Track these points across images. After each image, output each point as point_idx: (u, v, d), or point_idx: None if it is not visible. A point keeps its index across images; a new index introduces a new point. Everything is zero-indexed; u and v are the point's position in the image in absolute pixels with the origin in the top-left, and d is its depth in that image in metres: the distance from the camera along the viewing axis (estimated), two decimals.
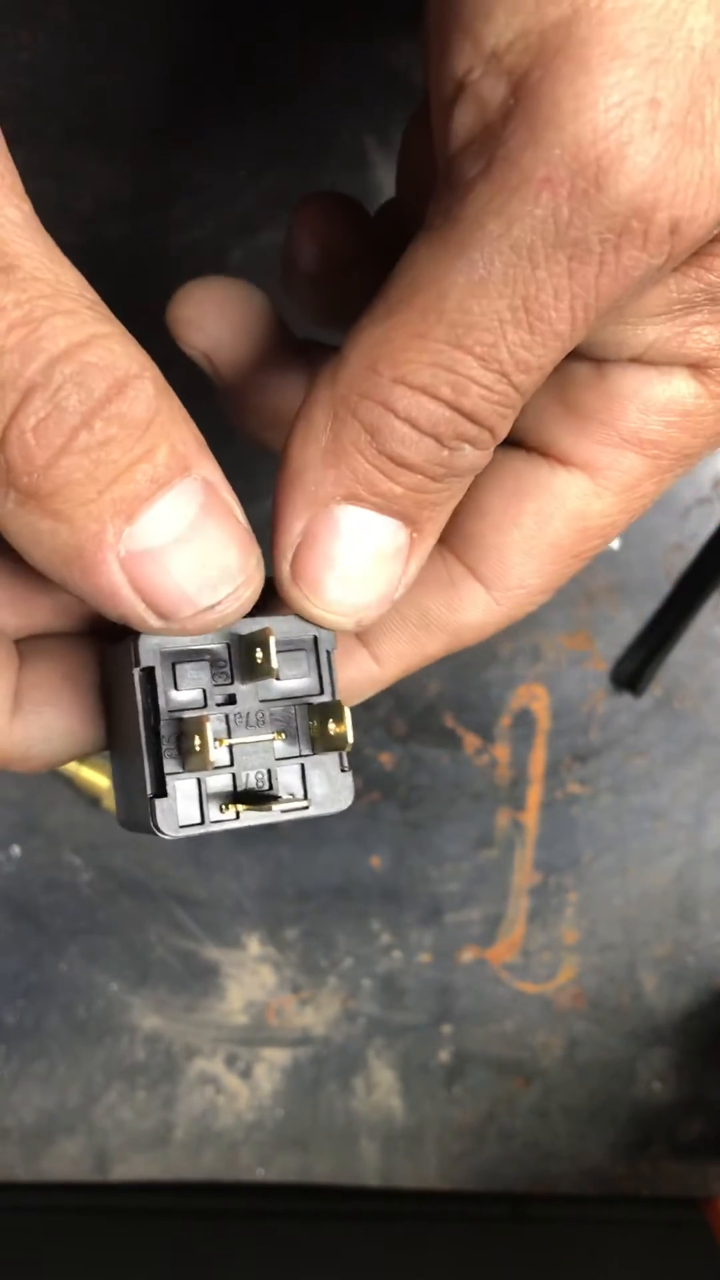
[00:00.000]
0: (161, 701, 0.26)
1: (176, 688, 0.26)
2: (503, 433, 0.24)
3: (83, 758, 0.29)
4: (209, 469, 0.24)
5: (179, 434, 0.23)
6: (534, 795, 0.55)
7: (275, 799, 0.27)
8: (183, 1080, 0.56)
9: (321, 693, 0.28)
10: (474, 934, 0.56)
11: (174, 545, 0.23)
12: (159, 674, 0.26)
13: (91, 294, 0.22)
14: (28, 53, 0.44)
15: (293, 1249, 0.57)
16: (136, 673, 0.26)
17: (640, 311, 0.25)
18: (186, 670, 0.26)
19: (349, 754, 0.28)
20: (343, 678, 0.30)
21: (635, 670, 0.54)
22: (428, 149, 0.23)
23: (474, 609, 0.30)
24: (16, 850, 0.54)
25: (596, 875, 0.55)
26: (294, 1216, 0.57)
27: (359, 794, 0.54)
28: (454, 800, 0.55)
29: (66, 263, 0.22)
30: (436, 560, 0.30)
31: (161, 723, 0.26)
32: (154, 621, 0.24)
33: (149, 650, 0.26)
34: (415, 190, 0.31)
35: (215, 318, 0.30)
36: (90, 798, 0.53)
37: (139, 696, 0.26)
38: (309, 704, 0.28)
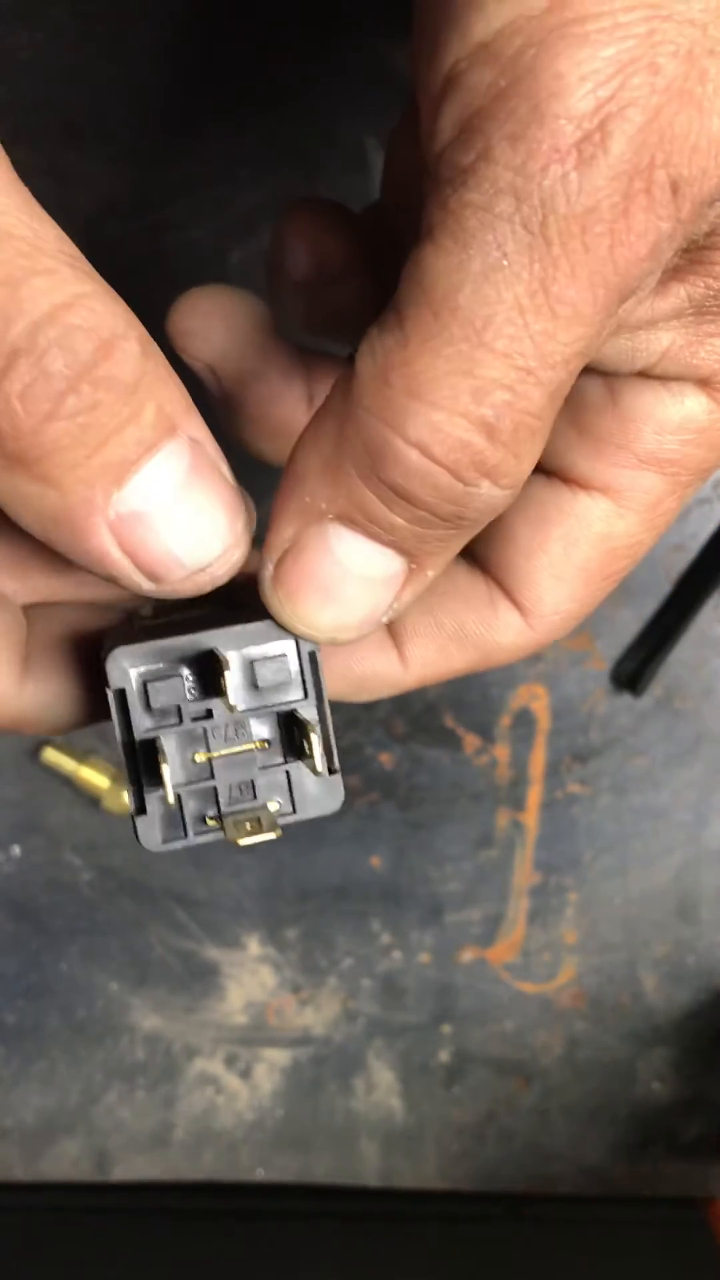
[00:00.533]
0: (135, 720, 0.26)
1: (149, 707, 0.26)
2: (528, 463, 0.23)
3: (92, 723, 0.29)
4: (196, 428, 0.23)
5: (166, 394, 0.23)
6: (534, 795, 0.55)
7: (257, 809, 0.27)
8: (183, 1080, 0.56)
9: (305, 697, 0.27)
10: (474, 934, 0.56)
11: (163, 508, 0.23)
12: (132, 693, 0.26)
13: (71, 248, 0.22)
14: (28, 53, 0.44)
15: (293, 1249, 0.57)
16: (110, 694, 0.26)
17: (653, 316, 0.24)
18: (160, 688, 0.26)
19: (338, 754, 0.28)
20: (366, 670, 0.30)
21: (635, 670, 0.54)
22: (415, 150, 0.23)
23: (508, 631, 0.30)
24: (16, 850, 0.54)
25: (596, 875, 0.55)
26: (294, 1216, 0.57)
27: (359, 794, 0.54)
28: (454, 800, 0.55)
29: (44, 215, 0.22)
30: (479, 578, 0.30)
31: (135, 742, 0.26)
32: (145, 584, 0.24)
33: (119, 671, 0.25)
34: (402, 194, 0.30)
35: (219, 328, 0.30)
36: (90, 798, 0.53)
37: (114, 717, 0.26)
38: (291, 714, 0.27)
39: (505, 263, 0.20)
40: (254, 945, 0.55)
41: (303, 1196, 0.57)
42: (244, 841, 0.26)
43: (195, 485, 0.23)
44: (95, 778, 0.53)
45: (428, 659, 0.30)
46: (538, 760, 0.54)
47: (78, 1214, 0.57)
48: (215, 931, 0.55)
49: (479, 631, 0.30)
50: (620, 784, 0.55)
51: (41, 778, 0.53)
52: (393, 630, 0.30)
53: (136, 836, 0.26)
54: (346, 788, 0.54)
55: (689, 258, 0.23)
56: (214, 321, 0.30)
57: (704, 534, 0.53)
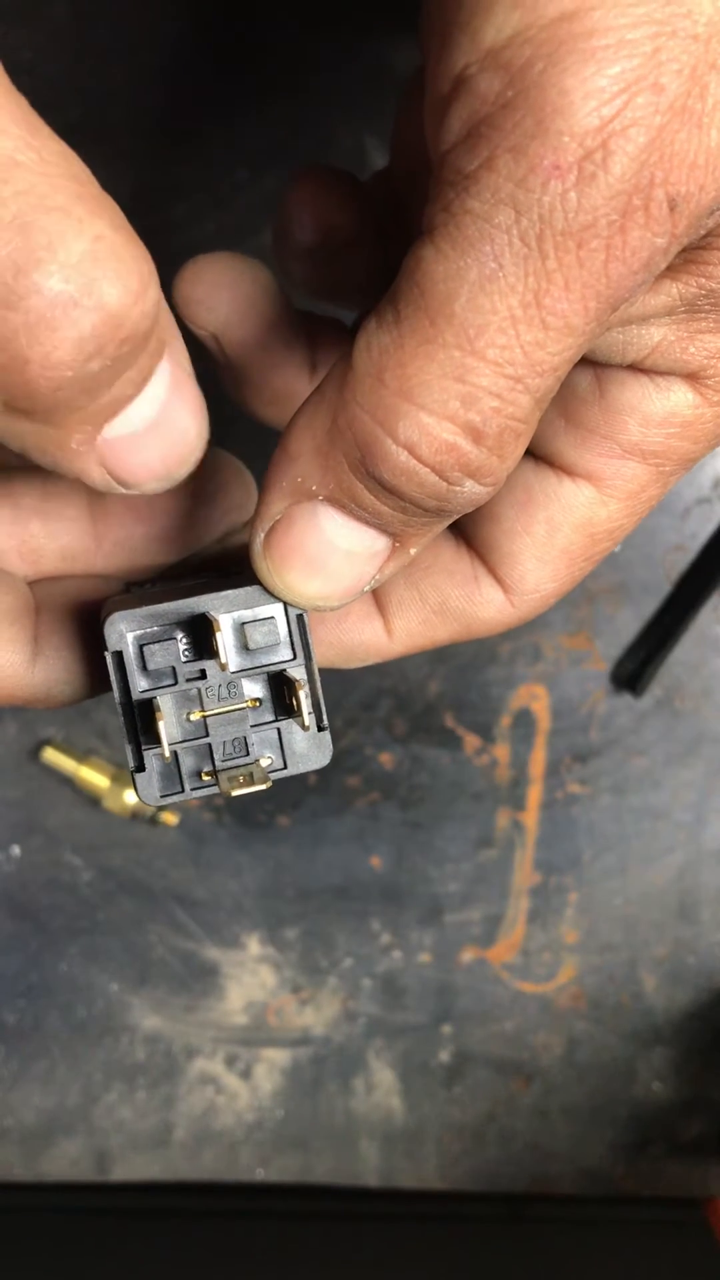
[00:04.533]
0: (132, 681, 0.27)
1: (146, 668, 0.27)
2: (511, 463, 0.23)
3: (96, 694, 0.30)
4: (177, 345, 0.23)
5: (166, 326, 0.23)
6: (534, 795, 0.55)
7: (250, 765, 0.28)
8: (183, 1080, 0.56)
9: (294, 658, 0.28)
10: (474, 934, 0.56)
11: (147, 430, 0.23)
12: (129, 655, 0.27)
13: (77, 168, 0.21)
14: (28, 53, 0.44)
15: (293, 1249, 0.57)
16: (108, 657, 0.27)
17: (645, 313, 0.25)
18: (156, 650, 0.27)
19: (324, 715, 0.29)
20: (353, 640, 0.31)
21: (635, 670, 0.54)
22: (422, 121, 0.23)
23: (490, 607, 0.30)
24: (16, 850, 0.54)
25: (596, 875, 0.55)
26: (294, 1216, 0.57)
27: (359, 794, 0.54)
28: (454, 800, 0.55)
29: (46, 130, 0.21)
30: (464, 553, 0.30)
31: (134, 702, 0.27)
32: (118, 490, 0.24)
33: (117, 635, 0.27)
34: (410, 160, 0.31)
35: (224, 296, 0.30)
36: (90, 798, 0.53)
37: (113, 678, 0.27)
38: (281, 674, 0.28)
39: (501, 274, 0.21)
40: (254, 945, 0.55)
41: (303, 1196, 0.57)
42: (236, 792, 0.27)
43: (174, 403, 0.24)
44: (95, 778, 0.53)
45: (412, 630, 0.31)
46: (538, 760, 0.54)
47: (78, 1214, 0.57)
48: (215, 931, 0.55)
49: (462, 606, 0.30)
50: (620, 784, 0.55)
51: (41, 778, 0.53)
52: (379, 602, 0.31)
53: (136, 792, 0.28)
54: (346, 788, 0.54)
55: (683, 257, 0.23)
56: (219, 290, 0.30)
57: (704, 534, 0.53)
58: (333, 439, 0.23)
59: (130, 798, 0.53)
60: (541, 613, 0.31)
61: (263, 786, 0.27)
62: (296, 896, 0.55)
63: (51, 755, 0.53)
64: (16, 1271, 0.55)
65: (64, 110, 0.45)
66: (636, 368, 0.26)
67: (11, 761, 0.53)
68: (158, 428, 0.23)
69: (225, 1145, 0.57)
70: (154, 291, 0.21)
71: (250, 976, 0.55)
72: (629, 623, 0.54)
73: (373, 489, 0.24)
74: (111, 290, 0.20)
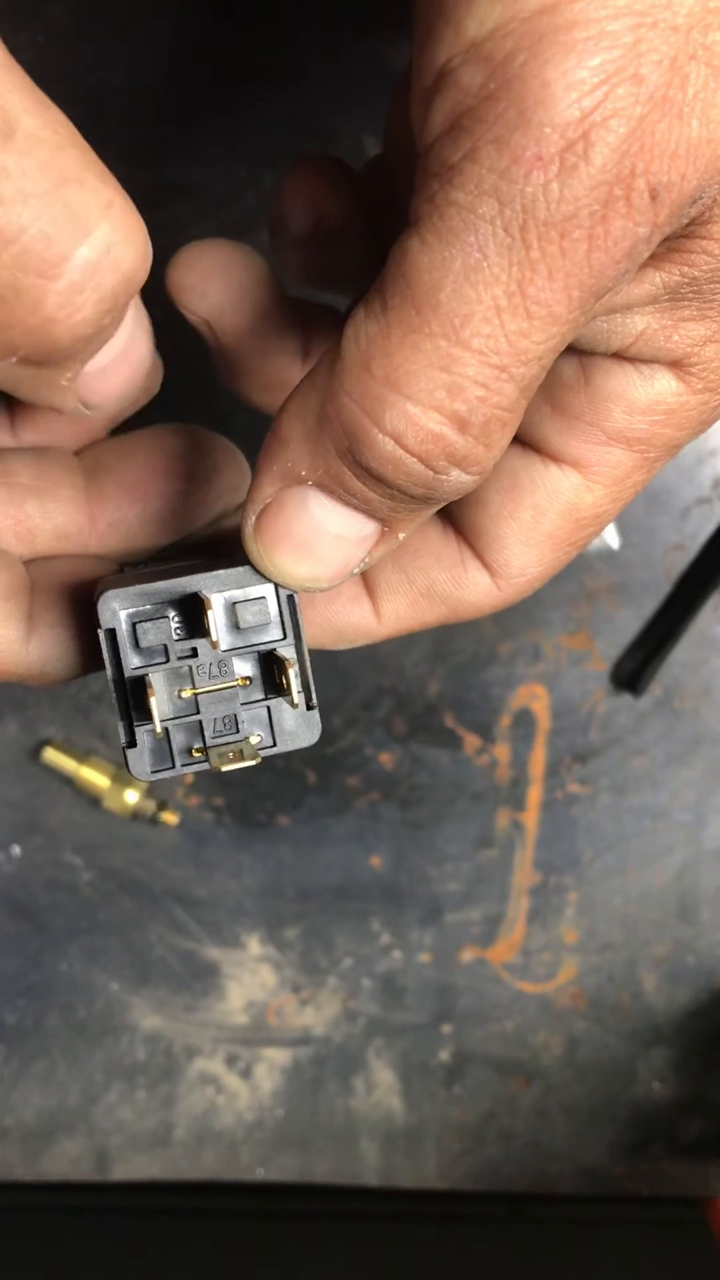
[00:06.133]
0: (124, 659, 0.27)
1: (138, 645, 0.27)
2: (497, 452, 0.24)
3: (89, 672, 0.30)
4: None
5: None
6: (534, 795, 0.55)
7: (240, 741, 0.28)
8: (183, 1080, 0.56)
9: (284, 638, 0.28)
10: (474, 934, 0.56)
11: (116, 359, 0.25)
12: (122, 633, 0.27)
13: (79, 138, 0.22)
14: (28, 53, 0.44)
15: (293, 1249, 0.57)
16: (101, 634, 0.27)
17: (629, 301, 0.25)
18: (148, 628, 0.27)
19: (313, 694, 0.29)
20: (342, 621, 0.31)
21: (635, 670, 0.54)
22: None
23: (476, 590, 0.31)
24: (16, 850, 0.54)
25: (596, 875, 0.55)
26: (294, 1216, 0.57)
27: (359, 794, 0.54)
28: (454, 800, 0.55)
29: (51, 105, 0.22)
30: (451, 537, 0.31)
31: (126, 679, 0.27)
32: (83, 412, 0.26)
33: (110, 612, 0.27)
34: (403, 151, 0.31)
35: (217, 284, 0.30)
36: (90, 798, 0.53)
37: (105, 655, 0.27)
38: (271, 653, 0.29)
39: (485, 264, 0.21)
40: (254, 945, 0.55)
41: (303, 1196, 0.57)
42: (225, 768, 0.28)
43: (135, 335, 0.25)
44: (95, 778, 0.53)
45: (400, 613, 0.31)
46: (538, 760, 0.54)
47: (78, 1214, 0.57)
48: (215, 931, 0.55)
49: (449, 589, 0.31)
50: (620, 784, 0.55)
51: (41, 778, 0.53)
52: (368, 585, 0.31)
53: (127, 767, 0.28)
54: (347, 787, 0.54)
55: (666, 245, 0.23)
56: (212, 277, 0.30)
57: (704, 534, 0.53)
58: (321, 426, 0.24)
59: (131, 797, 0.53)
60: (527, 595, 0.31)
61: (252, 762, 0.28)
62: (296, 896, 0.55)
63: (52, 755, 0.53)
64: (17, 1271, 0.55)
65: (64, 110, 0.45)
66: (621, 356, 0.27)
67: (11, 761, 0.53)
68: (124, 356, 0.25)
69: (225, 1145, 0.57)
70: (150, 249, 0.22)
71: (250, 976, 0.55)
72: (629, 623, 0.54)
73: (360, 476, 0.24)
74: (127, 253, 0.21)
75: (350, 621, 0.31)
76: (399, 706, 0.54)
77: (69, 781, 0.53)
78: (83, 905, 0.54)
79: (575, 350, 0.27)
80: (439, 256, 0.21)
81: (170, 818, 0.53)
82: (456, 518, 0.31)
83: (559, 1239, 0.58)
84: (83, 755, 0.53)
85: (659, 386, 0.27)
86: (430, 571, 0.31)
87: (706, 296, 0.25)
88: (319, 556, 0.26)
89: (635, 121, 0.20)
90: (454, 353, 0.22)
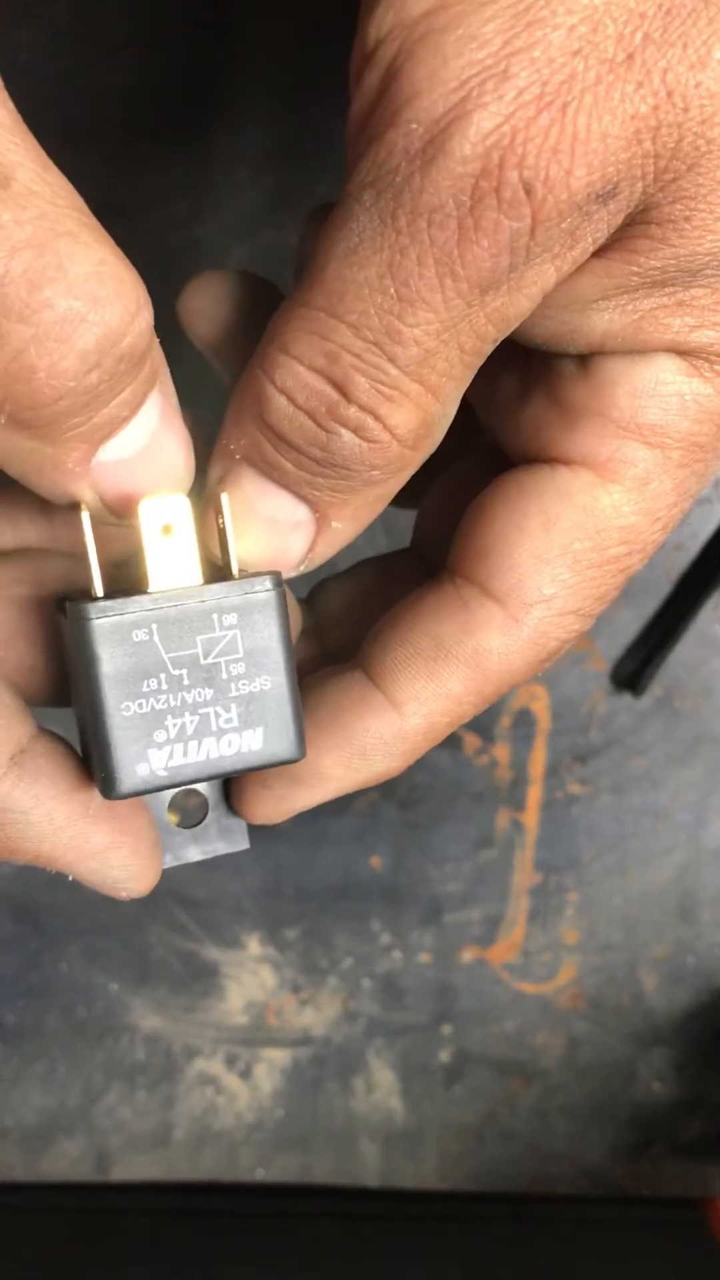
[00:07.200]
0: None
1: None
2: (396, 421, 0.24)
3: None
4: (167, 381, 0.25)
5: (158, 355, 0.24)
6: (534, 795, 0.55)
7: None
8: (183, 1080, 0.56)
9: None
10: (474, 934, 0.56)
11: (139, 456, 0.25)
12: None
13: (80, 202, 0.22)
14: (27, 53, 0.44)
15: (292, 1250, 0.57)
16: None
17: (577, 298, 0.25)
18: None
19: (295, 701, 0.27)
20: (359, 727, 0.28)
21: (635, 670, 0.54)
22: None
23: (489, 629, 0.27)
24: None
25: (596, 875, 0.55)
26: (294, 1216, 0.57)
27: (359, 794, 0.54)
28: (454, 800, 0.55)
29: (54, 168, 0.22)
30: (447, 585, 0.28)
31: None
32: (109, 518, 0.26)
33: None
34: None
35: (224, 310, 0.31)
36: None
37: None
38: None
39: (360, 247, 0.23)
40: (254, 945, 0.55)
41: (303, 1196, 0.57)
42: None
43: (165, 432, 0.25)
44: None
45: (418, 690, 0.28)
46: (538, 760, 0.54)
47: (78, 1214, 0.57)
48: (215, 931, 0.55)
49: (458, 638, 0.27)
50: (620, 784, 0.55)
51: None
52: (373, 678, 0.29)
53: (99, 787, 0.27)
54: None
55: (613, 241, 0.24)
56: (219, 302, 0.31)
57: (704, 534, 0.53)
58: (240, 397, 0.25)
59: None
60: (562, 638, 0.28)
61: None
62: (296, 896, 0.55)
63: None
64: (17, 1271, 0.55)
65: (64, 110, 0.45)
66: (604, 351, 0.26)
67: None
68: (148, 455, 0.25)
69: (225, 1145, 0.57)
70: (148, 314, 0.23)
71: (250, 976, 0.55)
72: (629, 623, 0.54)
73: (269, 439, 0.25)
74: (113, 309, 0.22)
75: (367, 726, 0.28)
76: None
77: None
78: (83, 905, 0.54)
79: (551, 351, 0.27)
80: (327, 241, 0.23)
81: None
82: (458, 553, 0.29)
83: (559, 1239, 0.58)
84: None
85: (663, 367, 0.26)
86: (429, 627, 0.28)
87: (673, 284, 0.24)
88: (252, 538, 0.27)
89: (502, 117, 0.21)
90: (331, 323, 0.23)
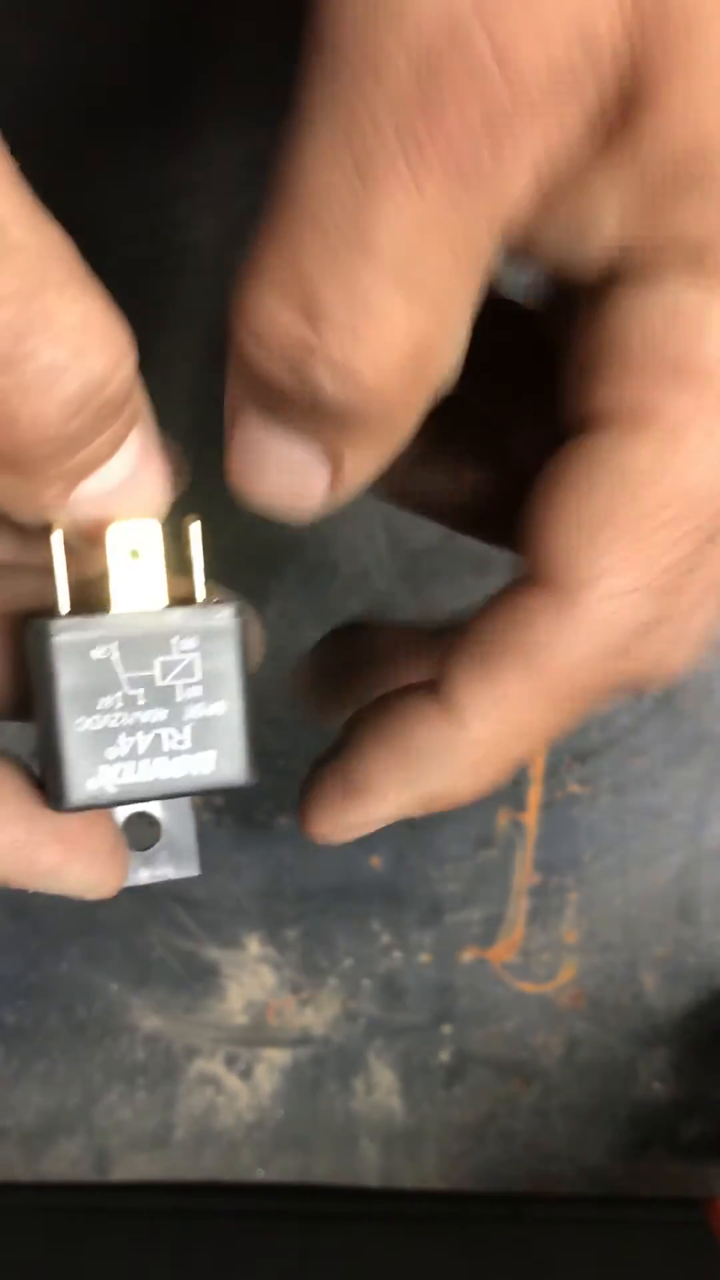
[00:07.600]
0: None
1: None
2: (377, 357, 0.21)
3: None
4: (148, 421, 0.25)
5: (141, 398, 0.24)
6: (534, 795, 0.55)
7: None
8: (183, 1080, 0.56)
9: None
10: (474, 934, 0.56)
11: (117, 490, 0.25)
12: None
13: (71, 251, 0.22)
14: (28, 53, 0.44)
15: (293, 1249, 0.57)
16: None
17: (583, 193, 0.22)
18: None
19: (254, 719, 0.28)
20: (412, 743, 0.26)
21: None
22: None
23: (544, 619, 0.24)
24: None
25: (596, 875, 0.56)
26: (294, 1216, 0.57)
27: None
28: None
29: (46, 217, 0.22)
30: (506, 589, 0.26)
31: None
32: (85, 548, 0.26)
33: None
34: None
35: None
36: None
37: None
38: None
39: (315, 129, 0.22)
40: (254, 945, 0.55)
41: (303, 1196, 0.57)
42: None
43: (144, 468, 0.25)
44: None
45: (476, 696, 0.25)
46: (538, 760, 0.54)
47: (78, 1214, 0.57)
48: (215, 931, 0.55)
49: (511, 632, 0.24)
50: (620, 784, 0.55)
51: None
52: (451, 710, 0.26)
53: (52, 801, 0.28)
54: None
55: (611, 123, 0.21)
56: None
57: None
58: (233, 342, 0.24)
59: None
60: (623, 625, 0.24)
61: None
62: (296, 896, 0.55)
63: None
64: (17, 1271, 0.55)
65: (64, 110, 0.45)
66: (618, 271, 0.23)
67: None
68: (125, 488, 0.25)
69: (225, 1145, 0.57)
70: (131, 361, 0.23)
71: (250, 976, 0.55)
72: None
73: (258, 388, 0.23)
74: (97, 359, 0.22)
75: (425, 745, 0.26)
76: None
77: None
78: (82, 905, 0.54)
79: (570, 282, 0.24)
80: (283, 150, 0.22)
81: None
82: (521, 560, 0.26)
83: (559, 1239, 0.58)
84: None
85: (674, 288, 0.22)
86: (482, 629, 0.25)
87: (685, 170, 0.21)
88: (268, 482, 0.25)
89: None
90: (288, 227, 0.22)
